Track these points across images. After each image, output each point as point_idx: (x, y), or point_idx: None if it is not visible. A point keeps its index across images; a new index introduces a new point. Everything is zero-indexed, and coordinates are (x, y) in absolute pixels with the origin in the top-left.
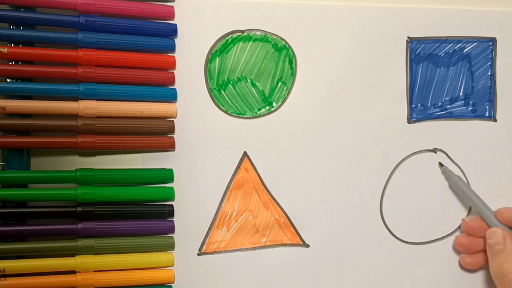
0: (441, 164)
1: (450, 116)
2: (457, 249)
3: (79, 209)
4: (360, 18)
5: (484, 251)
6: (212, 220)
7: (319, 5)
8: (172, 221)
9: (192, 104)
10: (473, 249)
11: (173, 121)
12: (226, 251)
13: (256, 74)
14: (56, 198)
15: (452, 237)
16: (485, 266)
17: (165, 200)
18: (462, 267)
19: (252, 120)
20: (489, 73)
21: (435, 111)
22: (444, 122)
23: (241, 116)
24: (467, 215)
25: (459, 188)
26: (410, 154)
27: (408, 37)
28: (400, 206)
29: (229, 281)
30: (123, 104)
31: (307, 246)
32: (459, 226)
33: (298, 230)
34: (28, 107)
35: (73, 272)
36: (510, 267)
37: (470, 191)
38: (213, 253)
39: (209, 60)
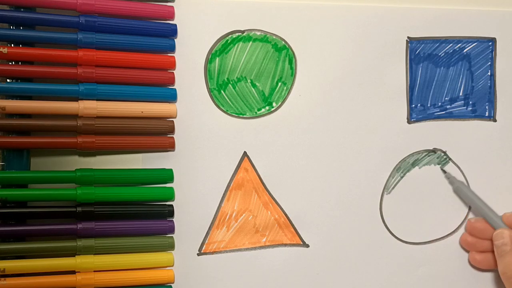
0: (444, 171)
1: (450, 116)
2: (463, 247)
3: (79, 209)
4: (360, 18)
5: (491, 251)
6: (212, 220)
7: (319, 5)
8: (172, 221)
9: (192, 104)
10: (478, 248)
11: (173, 121)
12: (226, 251)
13: (256, 74)
14: (56, 198)
15: (452, 237)
16: (493, 269)
17: (165, 200)
18: (473, 266)
19: (252, 120)
20: (489, 73)
21: (435, 111)
22: (444, 122)
23: (241, 116)
24: (467, 215)
25: (463, 193)
26: (410, 154)
27: (408, 37)
28: (400, 206)
29: (229, 281)
30: (123, 104)
31: (307, 246)
32: (459, 226)
33: (298, 230)
34: (28, 107)
35: (73, 272)
36: None
37: (475, 196)
38: (213, 253)
39: (209, 60)
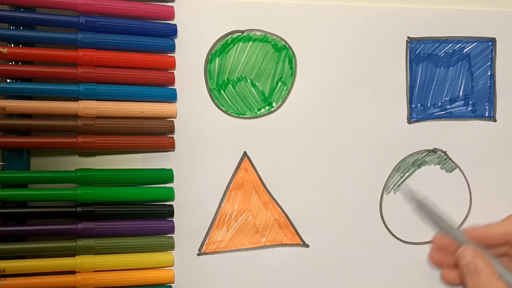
0: (402, 190)
1: (450, 116)
2: (433, 265)
3: (79, 209)
4: (360, 18)
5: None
6: (212, 220)
7: (319, 5)
8: (172, 221)
9: (192, 104)
10: (448, 264)
11: (173, 121)
12: (226, 251)
13: (256, 74)
14: (56, 198)
15: None
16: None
17: (165, 200)
18: (445, 284)
19: (252, 120)
20: (489, 73)
21: (435, 111)
22: (444, 122)
23: (241, 116)
24: (467, 215)
25: (424, 210)
26: (410, 154)
27: (408, 37)
28: (400, 206)
29: (229, 281)
30: (123, 104)
31: (307, 246)
32: (459, 226)
33: (298, 230)
34: (28, 107)
35: (73, 272)
36: (486, 285)
37: (436, 212)
38: (213, 253)
39: (209, 60)
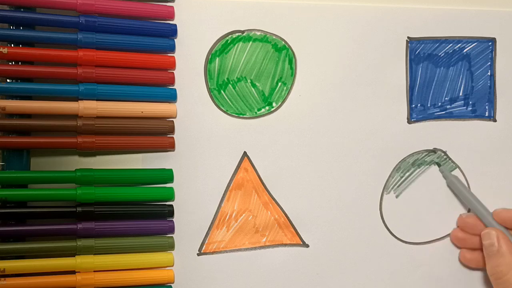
0: (438, 165)
1: (450, 116)
2: (454, 243)
3: (79, 209)
4: (360, 18)
5: (482, 249)
6: (212, 220)
7: (319, 5)
8: (172, 221)
9: (192, 104)
10: (469, 245)
11: (173, 121)
12: (226, 251)
13: (256, 74)
14: (56, 198)
15: None
16: (483, 268)
17: (165, 200)
18: (463, 264)
19: (252, 120)
20: (489, 73)
21: (435, 111)
22: (444, 122)
23: (241, 116)
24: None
25: (456, 188)
26: (410, 154)
27: (408, 37)
28: (400, 206)
29: (229, 281)
30: (123, 104)
31: (307, 246)
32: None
33: (298, 230)
34: (28, 107)
35: (73, 272)
36: (505, 269)
37: (467, 191)
38: (213, 253)
39: (209, 60)
